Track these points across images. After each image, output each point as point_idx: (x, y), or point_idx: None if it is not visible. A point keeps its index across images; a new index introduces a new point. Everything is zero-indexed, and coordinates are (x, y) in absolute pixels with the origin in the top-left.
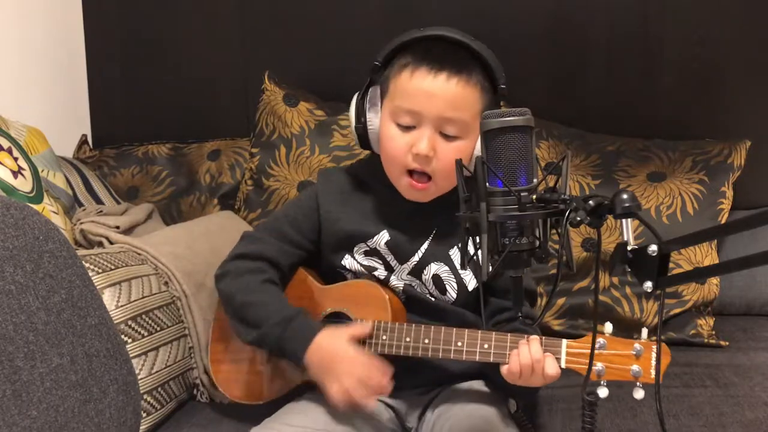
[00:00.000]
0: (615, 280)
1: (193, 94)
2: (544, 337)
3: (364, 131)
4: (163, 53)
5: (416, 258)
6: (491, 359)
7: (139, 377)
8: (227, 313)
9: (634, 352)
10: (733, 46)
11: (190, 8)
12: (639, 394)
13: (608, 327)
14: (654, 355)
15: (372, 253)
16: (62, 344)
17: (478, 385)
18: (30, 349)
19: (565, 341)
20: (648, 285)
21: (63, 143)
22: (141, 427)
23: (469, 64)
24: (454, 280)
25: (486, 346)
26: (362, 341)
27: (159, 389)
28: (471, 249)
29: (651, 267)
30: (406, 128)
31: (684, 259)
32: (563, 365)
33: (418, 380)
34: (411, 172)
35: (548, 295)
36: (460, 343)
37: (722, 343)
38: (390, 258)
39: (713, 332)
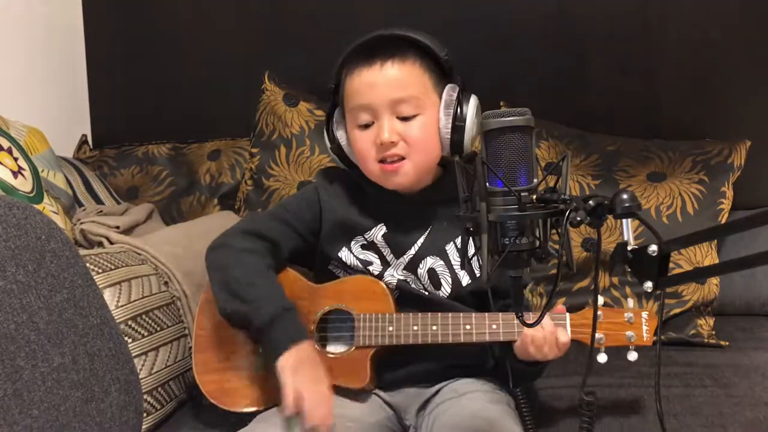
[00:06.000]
0: (615, 280)
1: (193, 93)
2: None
3: (339, 150)
4: (163, 53)
5: (412, 251)
6: (501, 338)
7: (139, 377)
8: (213, 279)
9: (627, 319)
10: (733, 46)
11: (190, 8)
12: (633, 356)
13: (600, 300)
14: (644, 319)
15: (369, 246)
16: (64, 344)
17: (479, 383)
18: (31, 349)
19: (567, 314)
20: (648, 285)
21: (63, 143)
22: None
23: (401, 48)
24: (449, 275)
25: (494, 326)
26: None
27: (159, 389)
28: (471, 249)
29: (651, 267)
30: (367, 126)
31: (684, 259)
32: (569, 335)
33: (415, 375)
34: (384, 162)
35: (548, 295)
36: (468, 326)
37: (722, 343)
38: (387, 252)
39: (713, 332)
